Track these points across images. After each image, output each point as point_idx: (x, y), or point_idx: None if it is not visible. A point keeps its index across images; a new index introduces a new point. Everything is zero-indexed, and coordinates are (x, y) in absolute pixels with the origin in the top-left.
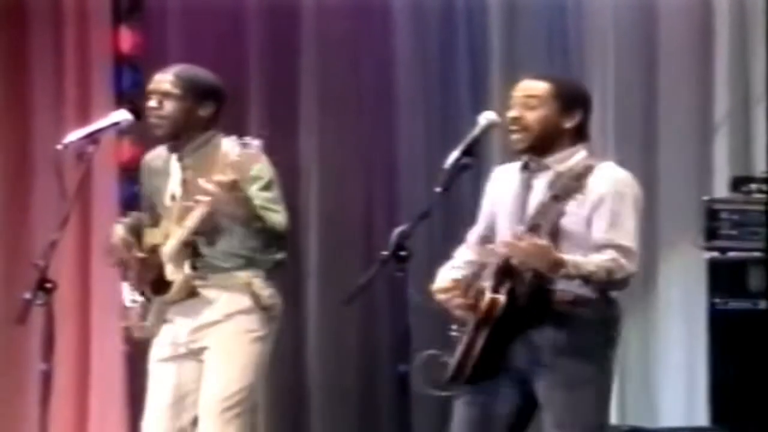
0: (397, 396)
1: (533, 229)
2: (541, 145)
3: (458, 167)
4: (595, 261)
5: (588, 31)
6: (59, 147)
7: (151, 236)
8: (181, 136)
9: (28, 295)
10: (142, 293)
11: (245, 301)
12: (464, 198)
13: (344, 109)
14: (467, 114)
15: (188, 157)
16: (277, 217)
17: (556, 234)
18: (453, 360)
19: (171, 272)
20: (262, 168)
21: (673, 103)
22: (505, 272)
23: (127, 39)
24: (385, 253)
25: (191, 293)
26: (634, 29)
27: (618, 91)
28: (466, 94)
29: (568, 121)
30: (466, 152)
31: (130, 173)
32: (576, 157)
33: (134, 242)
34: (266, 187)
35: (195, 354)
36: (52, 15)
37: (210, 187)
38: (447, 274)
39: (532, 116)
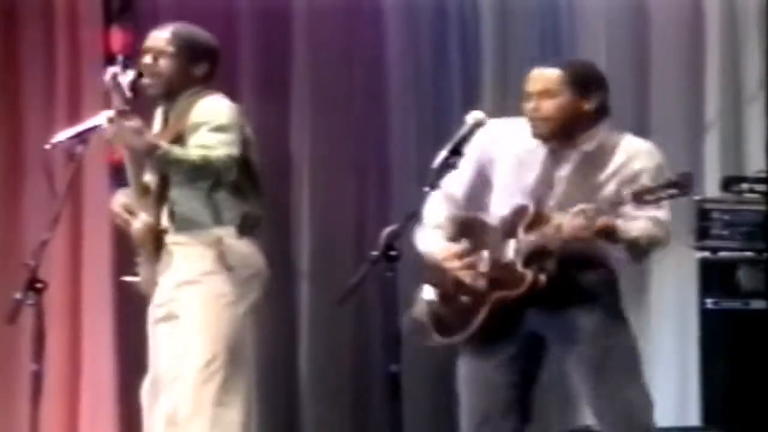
0: (389, 395)
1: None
2: (564, 132)
3: (446, 166)
4: (640, 227)
5: (580, 32)
6: (48, 146)
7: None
8: (174, 95)
9: (18, 295)
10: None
11: (215, 261)
12: None
13: (336, 109)
14: (459, 114)
15: (173, 110)
16: (216, 153)
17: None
18: (468, 328)
19: (137, 221)
20: (219, 112)
21: (664, 103)
22: (541, 251)
23: (118, 39)
24: (375, 253)
25: (157, 243)
26: (625, 29)
27: (609, 90)
28: (458, 94)
29: (587, 103)
30: (454, 151)
31: (121, 172)
32: (598, 137)
33: (131, 207)
34: (214, 129)
35: (168, 318)
36: (43, 15)
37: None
38: (439, 241)
39: (550, 106)
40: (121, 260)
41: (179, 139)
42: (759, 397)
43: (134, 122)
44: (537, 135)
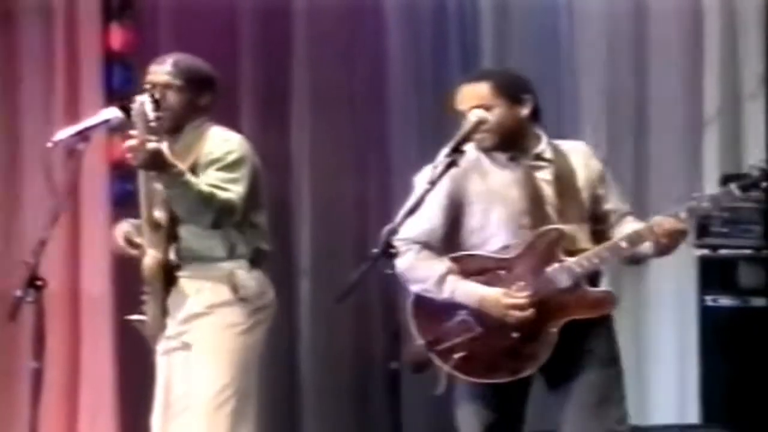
0: (389, 392)
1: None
2: (509, 140)
3: (447, 164)
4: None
5: (579, 31)
6: (49, 145)
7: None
8: (180, 128)
9: (18, 293)
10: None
11: (227, 293)
12: None
13: (336, 107)
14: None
15: (178, 142)
16: (225, 195)
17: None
18: (538, 360)
19: (147, 257)
20: (230, 150)
21: (663, 101)
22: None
23: (117, 36)
24: (375, 250)
25: (169, 279)
26: (625, 28)
27: (609, 90)
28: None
29: (522, 109)
30: (456, 149)
31: (121, 171)
32: (544, 141)
33: (134, 236)
34: (224, 168)
35: (183, 348)
36: (42, 13)
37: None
38: (480, 288)
39: (489, 119)
40: (121, 259)
41: (191, 172)
42: (759, 394)
43: (155, 143)
44: (484, 148)
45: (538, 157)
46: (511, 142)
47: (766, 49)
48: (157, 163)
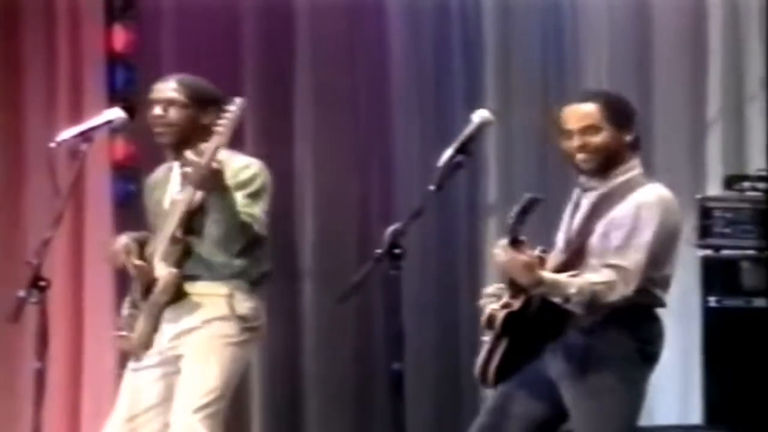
0: (392, 393)
1: (569, 245)
2: (608, 164)
3: (452, 165)
4: (579, 282)
5: (582, 31)
6: (52, 145)
7: (151, 246)
8: (185, 143)
9: (21, 293)
10: (134, 303)
11: (224, 309)
12: (458, 196)
13: (338, 107)
14: (462, 113)
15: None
16: (257, 228)
17: (581, 251)
18: (478, 364)
19: (160, 270)
20: (255, 175)
21: (666, 101)
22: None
23: (120, 37)
24: (379, 251)
25: (178, 294)
26: (628, 27)
27: (611, 89)
28: (461, 92)
29: (627, 135)
30: (460, 150)
31: (124, 171)
32: (629, 174)
33: (135, 250)
34: (252, 195)
35: (172, 363)
36: (44, 13)
37: (194, 157)
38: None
39: (595, 141)
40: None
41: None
42: (761, 395)
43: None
44: (587, 171)
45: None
46: (609, 166)
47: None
48: (217, 183)
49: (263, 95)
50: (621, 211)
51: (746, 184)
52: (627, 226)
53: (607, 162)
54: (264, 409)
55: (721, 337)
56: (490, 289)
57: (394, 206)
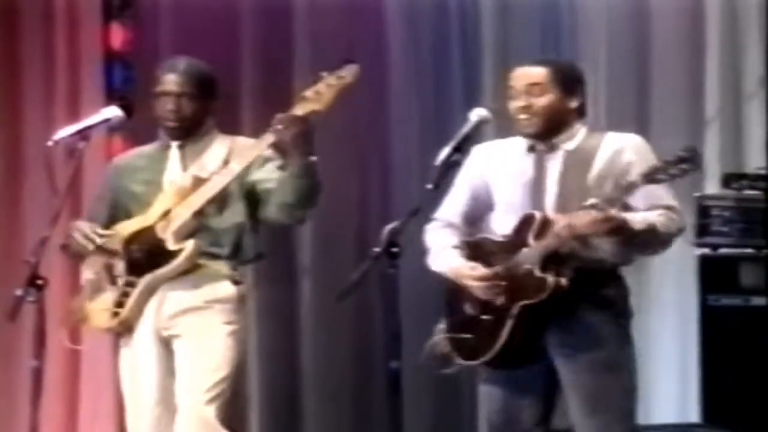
0: (390, 391)
1: (564, 202)
2: (551, 128)
3: (449, 164)
4: (650, 219)
5: (580, 29)
6: (50, 143)
7: (126, 228)
8: (192, 132)
9: (19, 292)
10: (113, 281)
11: (225, 290)
12: None
13: (337, 106)
14: (460, 111)
15: (189, 145)
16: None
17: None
18: (495, 343)
19: (174, 244)
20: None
21: (664, 99)
22: (556, 255)
23: (118, 35)
24: (376, 249)
25: (194, 266)
26: (626, 25)
27: (610, 87)
28: (459, 91)
29: (572, 101)
30: (457, 149)
31: None
32: (579, 135)
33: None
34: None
35: (167, 341)
36: (42, 11)
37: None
38: (458, 260)
39: (539, 103)
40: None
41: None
42: (760, 394)
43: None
44: (526, 133)
45: (556, 147)
46: (552, 130)
47: (766, 49)
48: (310, 146)
49: (262, 93)
50: (624, 159)
51: (744, 183)
52: (634, 168)
53: (549, 125)
54: (262, 408)
55: (719, 335)
56: (473, 269)
57: (393, 205)
